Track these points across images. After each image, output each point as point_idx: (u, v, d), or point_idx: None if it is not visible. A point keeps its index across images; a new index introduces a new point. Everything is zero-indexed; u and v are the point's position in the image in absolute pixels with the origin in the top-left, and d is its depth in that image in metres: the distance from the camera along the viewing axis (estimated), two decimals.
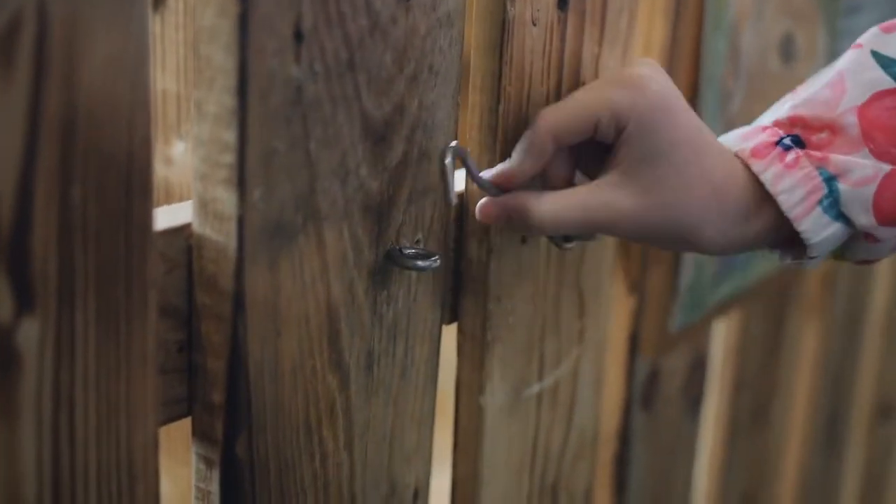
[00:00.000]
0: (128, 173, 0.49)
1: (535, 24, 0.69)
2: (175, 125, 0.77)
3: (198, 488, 0.60)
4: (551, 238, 0.75)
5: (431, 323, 0.69)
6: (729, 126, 0.93)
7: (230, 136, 0.54)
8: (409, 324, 0.67)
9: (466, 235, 0.72)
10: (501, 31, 0.68)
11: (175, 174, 0.78)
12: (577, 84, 0.74)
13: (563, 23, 0.71)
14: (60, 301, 0.48)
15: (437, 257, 0.64)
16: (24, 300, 0.46)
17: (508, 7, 0.67)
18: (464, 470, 0.78)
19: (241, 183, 0.54)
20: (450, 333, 0.75)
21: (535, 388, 0.80)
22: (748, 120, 0.84)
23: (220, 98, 0.53)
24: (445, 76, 0.64)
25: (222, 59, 0.53)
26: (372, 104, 0.60)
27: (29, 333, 0.47)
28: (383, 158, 0.62)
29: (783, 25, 1.01)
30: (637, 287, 0.93)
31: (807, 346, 1.35)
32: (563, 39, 0.72)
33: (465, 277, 0.73)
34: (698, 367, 1.08)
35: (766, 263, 1.09)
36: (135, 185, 0.50)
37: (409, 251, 0.64)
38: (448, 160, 0.66)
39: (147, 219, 0.51)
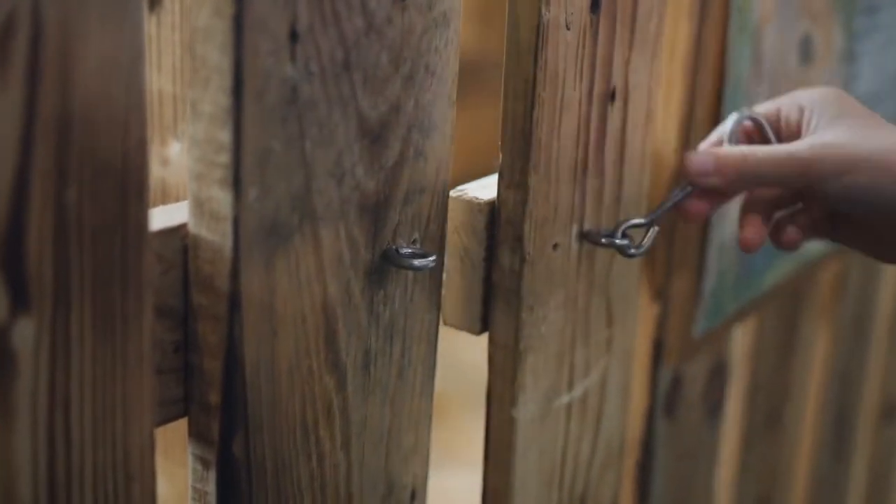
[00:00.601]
0: (123, 175, 0.49)
1: (568, 28, 0.69)
2: (171, 125, 0.77)
3: (194, 489, 0.60)
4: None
5: (428, 323, 0.69)
6: None
7: (225, 135, 0.54)
8: (405, 323, 0.67)
9: (498, 243, 0.72)
10: (536, 35, 0.67)
11: (171, 174, 0.78)
12: (608, 88, 0.74)
13: (595, 26, 0.71)
14: (56, 301, 0.48)
15: (433, 257, 0.64)
16: (20, 300, 0.46)
17: (543, 11, 0.66)
18: (495, 482, 0.78)
19: (237, 183, 0.54)
20: (480, 343, 0.74)
21: (565, 399, 0.79)
22: None
23: (216, 98, 0.53)
24: (441, 76, 0.64)
25: (217, 58, 0.53)
26: (368, 104, 0.60)
27: (24, 333, 0.47)
28: (379, 158, 0.62)
29: (803, 26, 1.00)
30: (661, 294, 0.92)
31: (818, 348, 1.35)
32: (595, 43, 0.71)
33: (497, 286, 0.73)
34: (718, 373, 1.07)
35: (784, 267, 1.09)
36: (130, 187, 0.50)
37: (405, 251, 0.64)
38: (730, 127, 0.76)
39: (142, 220, 0.51)
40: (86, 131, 0.47)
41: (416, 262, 0.63)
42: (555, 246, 0.74)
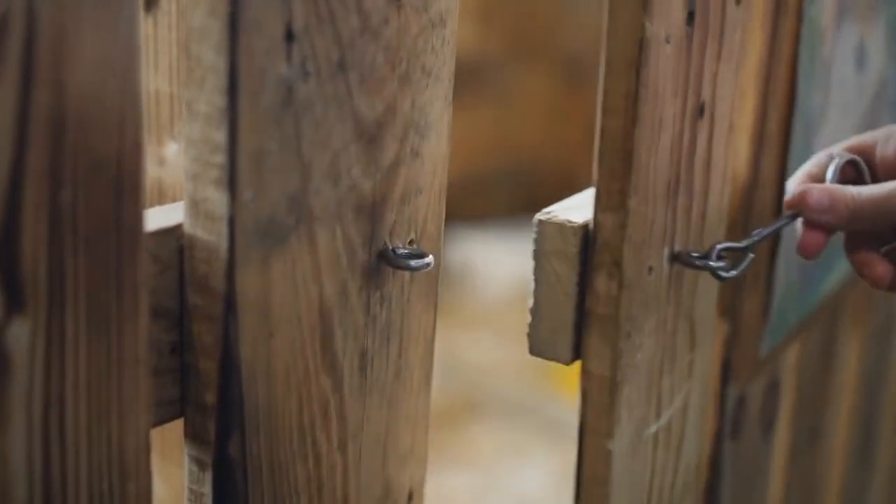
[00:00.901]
0: (118, 175, 0.49)
1: (668, 42, 0.67)
2: (168, 125, 0.77)
3: (190, 490, 0.60)
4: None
5: (425, 324, 0.69)
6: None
7: (221, 136, 0.54)
8: (402, 324, 0.67)
9: (593, 268, 0.70)
10: (638, 49, 0.65)
11: (168, 175, 0.78)
12: (698, 102, 0.72)
13: (689, 38, 0.70)
14: (51, 302, 0.48)
15: (430, 257, 0.64)
16: (14, 301, 0.46)
17: (647, 25, 0.65)
18: None
19: (232, 183, 0.54)
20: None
21: (653, 428, 0.78)
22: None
23: (211, 98, 0.53)
24: (438, 76, 0.64)
25: (213, 58, 0.53)
26: (364, 104, 0.60)
27: (19, 334, 0.47)
28: (376, 159, 0.62)
29: (857, 32, 1.00)
30: (729, 312, 0.90)
31: (852, 357, 1.33)
32: (689, 56, 0.70)
33: (591, 314, 0.71)
34: (772, 390, 1.05)
35: (834, 275, 1.07)
36: (125, 188, 0.50)
37: (402, 251, 0.64)
38: (832, 170, 0.75)
39: (138, 220, 0.51)
40: (81, 132, 0.47)
41: (413, 262, 0.63)
42: (650, 269, 0.72)
